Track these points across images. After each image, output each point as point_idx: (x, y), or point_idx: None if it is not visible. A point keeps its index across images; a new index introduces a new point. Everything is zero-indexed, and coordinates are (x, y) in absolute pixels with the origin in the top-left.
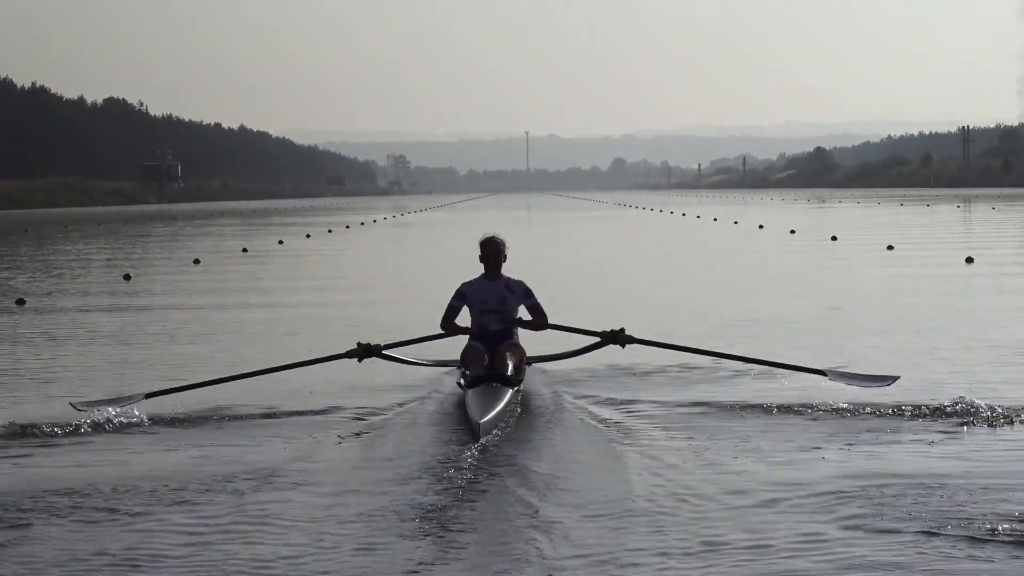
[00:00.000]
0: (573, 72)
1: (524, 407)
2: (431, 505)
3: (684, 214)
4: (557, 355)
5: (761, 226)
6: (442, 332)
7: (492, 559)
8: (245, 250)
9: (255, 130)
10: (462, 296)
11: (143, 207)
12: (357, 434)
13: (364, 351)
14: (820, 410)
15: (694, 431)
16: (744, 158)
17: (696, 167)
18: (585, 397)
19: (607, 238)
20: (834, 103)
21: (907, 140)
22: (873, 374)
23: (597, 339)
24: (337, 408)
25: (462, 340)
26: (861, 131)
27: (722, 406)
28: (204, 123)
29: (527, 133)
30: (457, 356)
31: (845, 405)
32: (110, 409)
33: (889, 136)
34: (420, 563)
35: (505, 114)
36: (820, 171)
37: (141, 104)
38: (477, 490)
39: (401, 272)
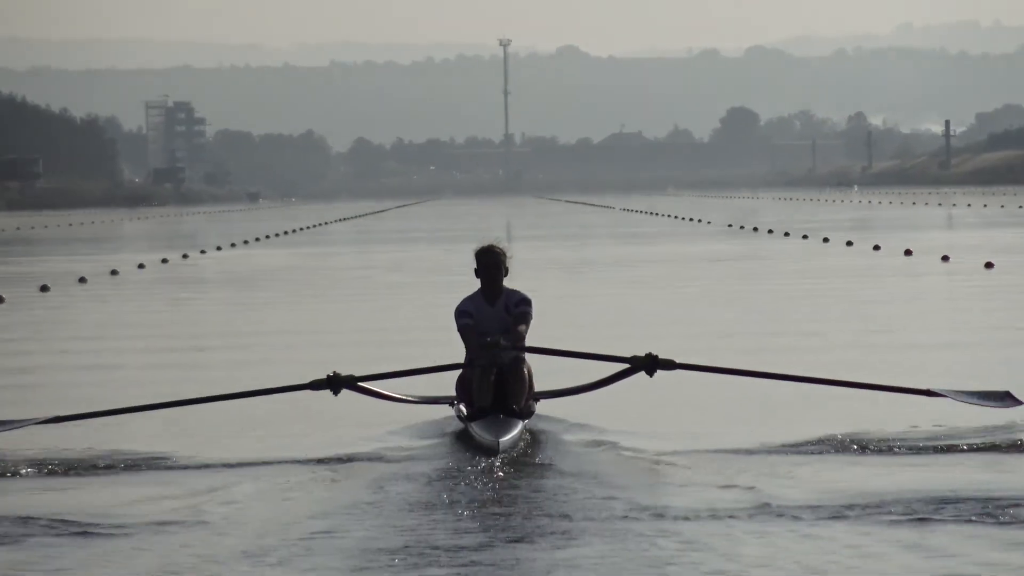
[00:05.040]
0: None
1: (534, 443)
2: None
3: (947, 257)
4: (571, 389)
5: None
6: (429, 367)
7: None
8: None
9: None
10: (468, 314)
11: None
12: (332, 471)
13: (336, 383)
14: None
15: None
16: None
17: (940, 129)
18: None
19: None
20: None
21: None
22: (989, 390)
23: (625, 366)
24: (316, 442)
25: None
26: None
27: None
28: None
29: (505, 46)
30: (445, 391)
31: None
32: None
33: None
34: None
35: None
36: None
37: None
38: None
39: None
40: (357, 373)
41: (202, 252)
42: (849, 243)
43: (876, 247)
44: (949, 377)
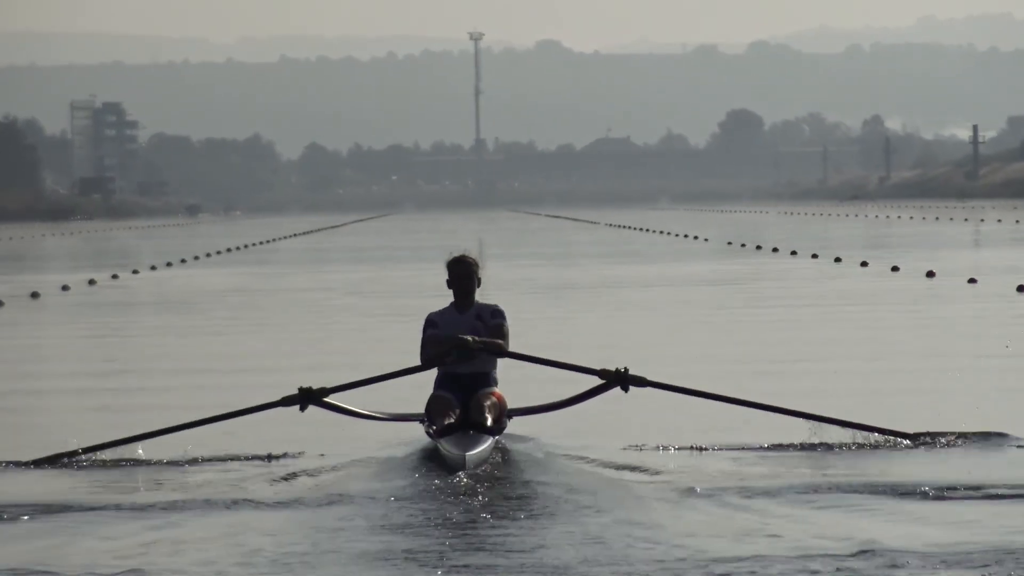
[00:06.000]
0: None
1: (506, 461)
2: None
3: (975, 280)
4: (544, 406)
5: None
6: (407, 368)
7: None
8: None
9: None
10: (434, 324)
11: None
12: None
13: (305, 397)
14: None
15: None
16: None
17: (967, 135)
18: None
19: None
20: None
21: None
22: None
23: (600, 381)
24: (274, 467)
25: (425, 390)
26: None
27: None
28: None
29: (477, 41)
30: (417, 409)
31: None
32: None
33: None
34: None
35: None
36: None
37: None
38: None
39: None
40: (327, 387)
41: (134, 272)
42: (864, 263)
43: (895, 268)
44: (975, 421)
